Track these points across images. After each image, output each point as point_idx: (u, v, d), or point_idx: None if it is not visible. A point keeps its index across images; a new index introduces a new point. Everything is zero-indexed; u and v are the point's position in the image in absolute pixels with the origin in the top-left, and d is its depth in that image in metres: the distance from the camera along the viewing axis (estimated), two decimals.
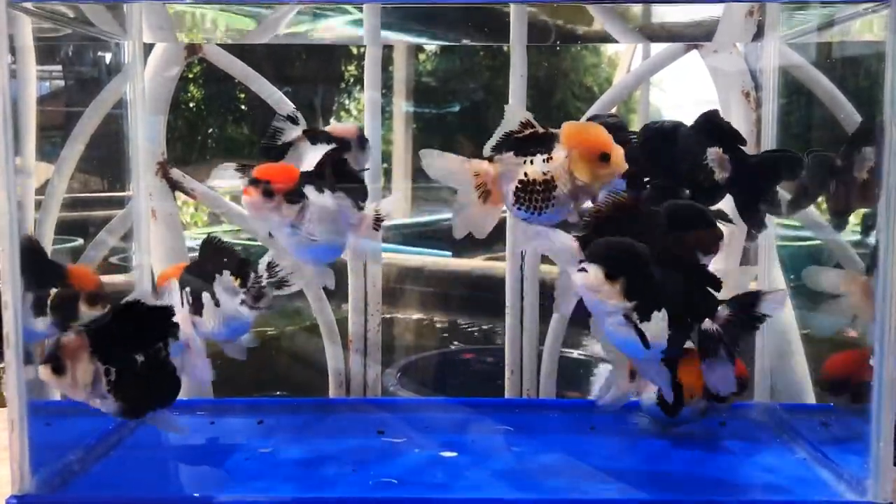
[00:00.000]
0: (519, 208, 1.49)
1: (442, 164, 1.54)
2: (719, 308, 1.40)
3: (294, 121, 1.76)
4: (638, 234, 1.36)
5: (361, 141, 1.88)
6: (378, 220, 1.68)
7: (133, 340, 1.45)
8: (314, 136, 1.76)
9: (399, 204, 1.59)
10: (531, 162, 1.47)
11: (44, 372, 1.40)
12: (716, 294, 1.41)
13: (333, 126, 1.86)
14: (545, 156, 1.47)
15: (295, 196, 1.55)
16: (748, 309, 1.41)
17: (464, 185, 1.53)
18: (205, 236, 1.69)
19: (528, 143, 1.49)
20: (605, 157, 1.44)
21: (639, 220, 1.40)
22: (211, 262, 1.66)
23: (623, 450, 1.73)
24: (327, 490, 1.53)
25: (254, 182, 1.54)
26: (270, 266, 1.67)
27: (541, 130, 1.48)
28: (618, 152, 1.44)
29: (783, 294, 1.46)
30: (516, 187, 1.48)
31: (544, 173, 1.46)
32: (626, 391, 1.73)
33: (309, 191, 1.56)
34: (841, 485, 1.54)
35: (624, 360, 1.63)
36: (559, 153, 1.46)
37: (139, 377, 1.45)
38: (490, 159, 1.52)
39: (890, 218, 1.39)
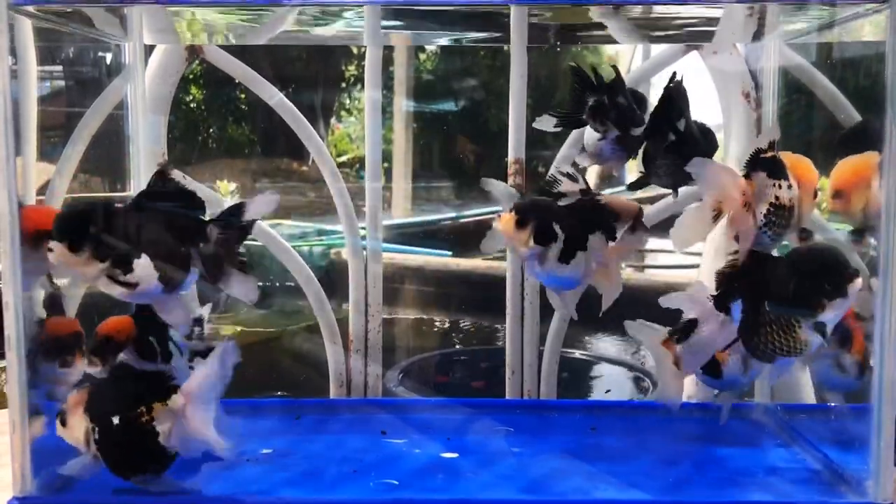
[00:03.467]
0: (765, 231, 1.50)
1: (713, 173, 1.50)
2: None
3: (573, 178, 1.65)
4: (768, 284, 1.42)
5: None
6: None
7: (119, 402, 1.43)
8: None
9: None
10: (779, 186, 1.50)
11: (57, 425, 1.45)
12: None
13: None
14: (787, 182, 1.51)
15: None
16: None
17: (730, 198, 1.49)
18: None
19: (775, 166, 1.51)
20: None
21: (770, 270, 1.45)
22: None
23: (624, 450, 1.73)
24: (328, 491, 1.54)
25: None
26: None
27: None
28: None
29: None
30: (768, 209, 1.49)
31: (790, 199, 1.50)
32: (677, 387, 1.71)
33: None
34: (841, 485, 1.54)
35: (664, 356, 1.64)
36: (794, 181, 1.52)
37: (119, 440, 1.42)
38: (746, 176, 1.51)
39: (890, 218, 1.39)
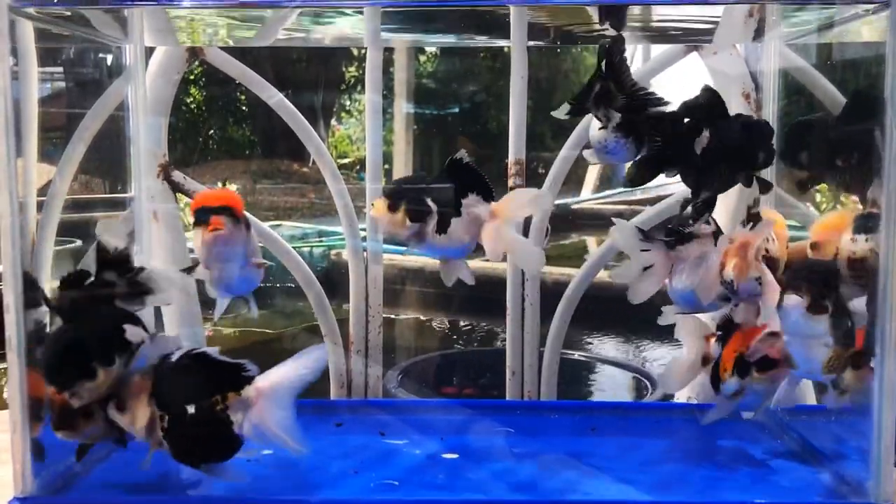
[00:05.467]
0: None
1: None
2: None
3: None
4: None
5: None
6: None
7: (193, 391, 1.42)
8: None
9: None
10: (767, 239, 1.61)
11: (109, 409, 1.42)
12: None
13: None
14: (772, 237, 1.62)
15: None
16: None
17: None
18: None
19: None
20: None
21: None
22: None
23: (624, 451, 1.73)
24: (328, 491, 1.54)
25: (218, 210, 1.51)
26: None
27: None
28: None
29: None
30: None
31: (775, 252, 1.62)
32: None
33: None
34: (841, 486, 1.54)
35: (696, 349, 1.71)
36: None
37: (191, 428, 1.42)
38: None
39: (891, 219, 1.39)
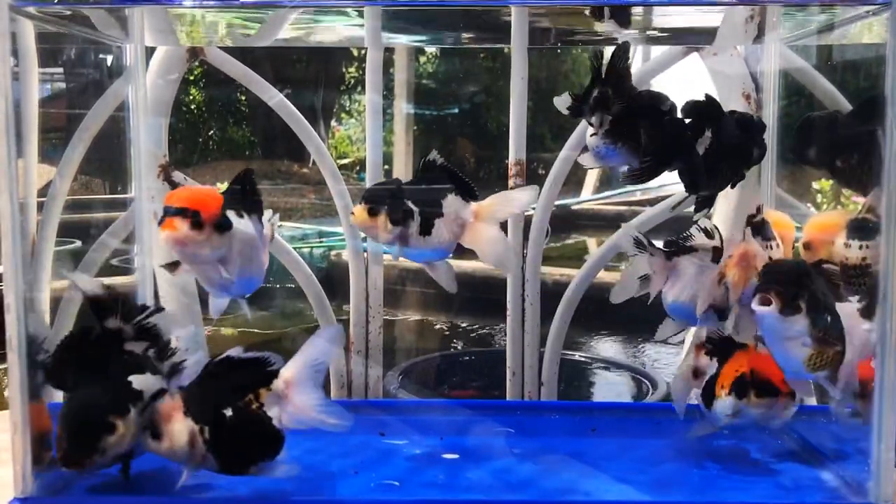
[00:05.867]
0: None
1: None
2: None
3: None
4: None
5: None
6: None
7: (224, 396, 1.41)
8: None
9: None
10: (770, 247, 1.65)
11: (144, 440, 1.40)
12: None
13: None
14: (776, 241, 1.66)
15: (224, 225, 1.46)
16: None
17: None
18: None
19: (765, 229, 1.67)
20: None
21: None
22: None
23: (624, 451, 1.73)
24: (329, 492, 1.54)
25: (177, 212, 1.42)
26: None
27: None
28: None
29: None
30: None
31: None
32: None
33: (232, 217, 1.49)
34: (842, 487, 1.54)
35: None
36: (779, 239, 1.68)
37: (233, 433, 1.40)
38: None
39: (891, 218, 1.39)
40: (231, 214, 1.50)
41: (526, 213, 1.62)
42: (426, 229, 1.52)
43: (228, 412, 1.39)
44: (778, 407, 1.61)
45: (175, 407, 1.40)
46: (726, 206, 2.12)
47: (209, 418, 1.40)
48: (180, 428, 1.39)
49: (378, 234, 1.51)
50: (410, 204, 1.50)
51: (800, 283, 1.40)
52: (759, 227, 1.64)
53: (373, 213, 1.49)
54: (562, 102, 1.56)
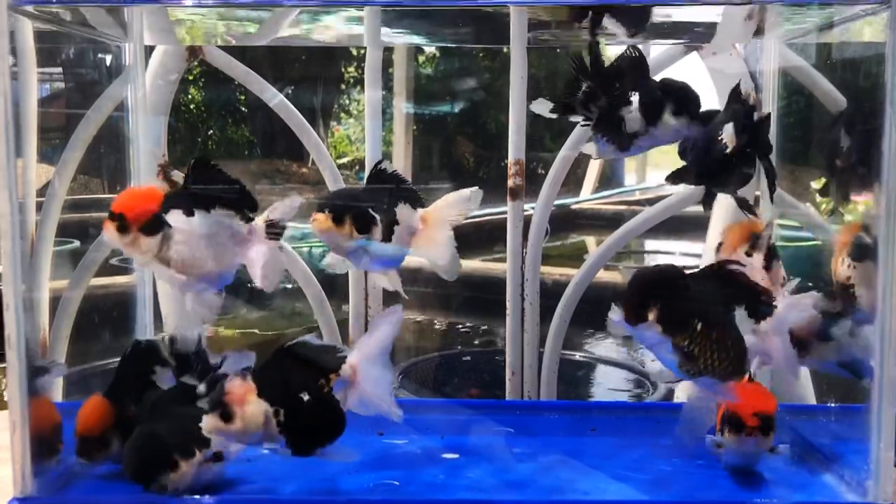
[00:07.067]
0: None
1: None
2: None
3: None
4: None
5: None
6: (275, 228, 1.59)
7: (299, 380, 1.43)
8: None
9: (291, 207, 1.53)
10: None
11: (212, 421, 1.40)
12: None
13: None
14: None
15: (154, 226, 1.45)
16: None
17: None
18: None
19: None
20: None
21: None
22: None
23: (623, 451, 1.73)
24: (328, 491, 1.53)
25: (109, 215, 1.44)
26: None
27: None
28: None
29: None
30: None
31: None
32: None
33: (173, 216, 1.48)
34: (841, 486, 1.54)
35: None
36: None
37: (307, 416, 1.43)
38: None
39: (891, 218, 1.39)
40: (177, 213, 1.48)
41: (471, 215, 1.59)
42: (388, 237, 1.50)
43: (304, 396, 1.43)
44: (748, 443, 1.54)
45: (248, 389, 1.41)
46: (724, 207, 2.13)
47: (284, 401, 1.42)
48: (255, 410, 1.40)
49: (344, 242, 1.47)
50: (373, 212, 1.48)
51: (651, 293, 1.36)
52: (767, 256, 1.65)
53: (337, 220, 1.45)
54: (540, 107, 1.57)
